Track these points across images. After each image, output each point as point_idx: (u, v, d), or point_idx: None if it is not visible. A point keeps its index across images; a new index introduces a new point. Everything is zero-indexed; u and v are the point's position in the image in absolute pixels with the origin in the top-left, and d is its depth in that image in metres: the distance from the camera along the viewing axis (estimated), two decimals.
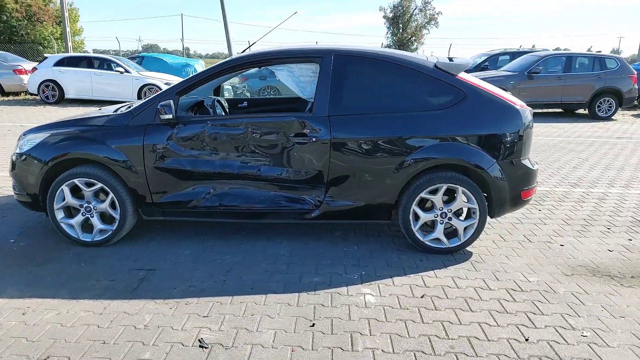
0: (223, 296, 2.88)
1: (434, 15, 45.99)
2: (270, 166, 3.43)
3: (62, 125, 3.63)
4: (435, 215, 3.46)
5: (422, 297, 2.90)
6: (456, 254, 3.53)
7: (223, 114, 4.29)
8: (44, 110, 11.88)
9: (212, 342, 2.41)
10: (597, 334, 2.54)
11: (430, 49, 68.40)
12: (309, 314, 2.69)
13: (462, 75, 3.52)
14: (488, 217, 3.59)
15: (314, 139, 3.34)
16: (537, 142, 8.44)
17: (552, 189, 5.40)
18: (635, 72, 11.87)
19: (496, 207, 3.48)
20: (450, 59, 3.69)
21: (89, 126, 3.53)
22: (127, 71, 12.98)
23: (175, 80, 12.37)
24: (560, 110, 12.80)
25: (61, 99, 13.04)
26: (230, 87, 13.24)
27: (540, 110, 12.64)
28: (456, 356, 2.33)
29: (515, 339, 2.48)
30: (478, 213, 3.42)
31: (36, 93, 13.07)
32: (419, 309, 2.75)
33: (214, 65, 3.63)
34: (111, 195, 3.45)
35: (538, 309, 2.79)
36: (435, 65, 3.45)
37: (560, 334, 2.53)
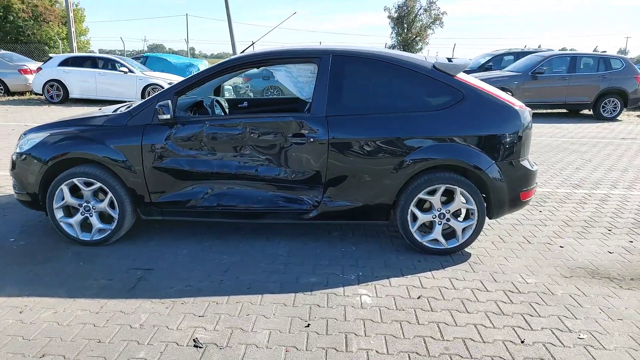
0: (219, 296, 2.88)
1: (438, 15, 45.95)
2: (268, 166, 3.43)
3: (61, 125, 3.65)
4: (434, 216, 3.45)
5: (418, 298, 2.90)
6: (454, 255, 3.52)
7: (222, 114, 4.30)
8: (48, 110, 11.95)
9: (206, 342, 2.41)
10: (594, 337, 2.52)
11: (435, 49, 68.33)
12: (305, 315, 2.69)
13: (461, 76, 3.51)
14: (487, 218, 3.58)
15: (311, 140, 3.34)
16: (541, 143, 8.40)
17: (553, 190, 5.37)
18: None
19: (495, 208, 3.47)
20: (450, 60, 3.68)
21: (89, 126, 3.55)
22: (131, 71, 13.04)
23: (178, 80, 12.40)
24: (564, 110, 12.74)
25: (66, 99, 13.12)
26: (232, 87, 13.27)
27: (544, 111, 12.59)
28: (450, 357, 2.33)
29: (510, 341, 2.47)
30: (476, 214, 3.41)
31: (41, 93, 13.16)
32: (414, 310, 2.75)
33: (212, 65, 3.63)
34: (110, 194, 3.47)
35: (535, 310, 2.77)
36: (434, 66, 3.44)
37: (556, 336, 2.52)
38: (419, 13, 46.01)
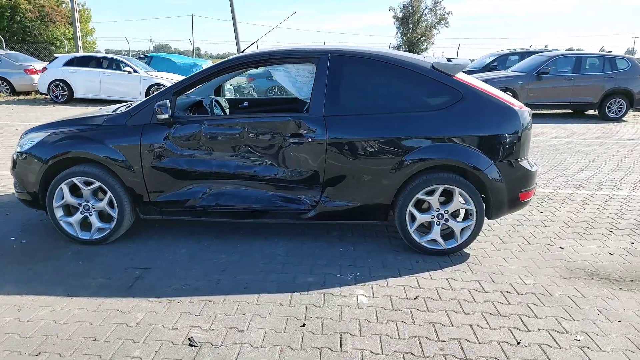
0: (216, 295, 2.89)
1: (444, 15, 45.72)
2: (266, 166, 3.44)
3: (61, 125, 3.67)
4: (432, 217, 3.44)
5: (415, 298, 2.89)
6: (453, 256, 3.50)
7: (222, 114, 4.31)
8: (53, 109, 12.02)
9: (201, 341, 2.42)
10: (591, 338, 2.50)
11: (441, 49, 68.07)
12: (301, 314, 2.69)
13: (460, 76, 3.50)
14: (487, 219, 3.56)
15: (309, 139, 3.34)
16: (545, 143, 8.35)
17: (555, 191, 5.33)
18: None
19: (494, 208, 3.45)
20: (449, 60, 3.67)
21: (88, 125, 3.57)
22: (135, 71, 13.09)
23: None
24: (569, 111, 12.65)
25: (70, 99, 13.20)
26: (236, 87, 13.29)
27: (549, 111, 12.52)
28: (445, 358, 2.32)
29: (506, 342, 2.45)
30: (475, 214, 3.40)
31: (46, 92, 13.24)
32: (411, 311, 2.74)
33: (211, 65, 3.64)
34: (109, 194, 3.48)
35: (532, 312, 2.76)
36: (432, 66, 3.43)
37: (553, 337, 2.50)
38: (424, 13, 45.87)
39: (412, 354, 2.35)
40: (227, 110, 4.50)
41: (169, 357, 2.29)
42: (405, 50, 39.68)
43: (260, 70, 10.41)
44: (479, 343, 2.44)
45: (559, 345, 2.43)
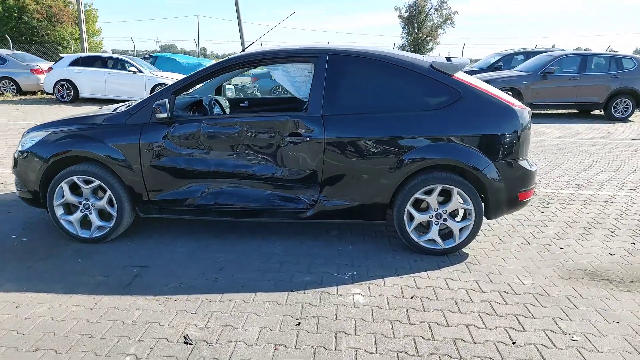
0: (213, 294, 2.90)
1: (449, 14, 45.59)
2: (265, 165, 3.44)
3: (62, 124, 3.70)
4: (430, 216, 3.43)
5: (411, 298, 2.88)
6: (452, 256, 3.49)
7: (222, 113, 4.32)
8: (58, 109, 12.12)
9: (197, 339, 2.43)
10: (588, 339, 2.49)
11: (447, 49, 67.85)
12: (296, 313, 2.69)
13: (459, 76, 3.48)
14: (486, 219, 3.55)
15: (307, 139, 3.35)
16: (549, 143, 8.31)
17: (557, 191, 5.30)
18: None
19: (492, 208, 3.43)
20: (448, 59, 3.66)
21: (88, 124, 3.59)
22: (140, 71, 13.16)
23: None
24: (575, 111, 12.57)
25: (76, 98, 13.29)
26: (240, 87, 13.32)
27: (554, 111, 12.44)
28: (439, 357, 2.31)
29: (502, 342, 2.44)
30: (474, 214, 3.38)
31: (52, 92, 13.36)
32: (407, 310, 2.74)
33: (210, 64, 3.66)
34: (109, 192, 3.50)
35: (529, 312, 2.74)
36: (431, 65, 3.42)
37: (549, 337, 2.49)
38: (429, 13, 45.74)
39: (406, 353, 2.34)
40: (227, 110, 4.51)
41: (163, 354, 2.30)
42: (410, 50, 39.59)
43: (264, 69, 10.42)
44: (474, 343, 2.43)
45: (555, 346, 2.42)
